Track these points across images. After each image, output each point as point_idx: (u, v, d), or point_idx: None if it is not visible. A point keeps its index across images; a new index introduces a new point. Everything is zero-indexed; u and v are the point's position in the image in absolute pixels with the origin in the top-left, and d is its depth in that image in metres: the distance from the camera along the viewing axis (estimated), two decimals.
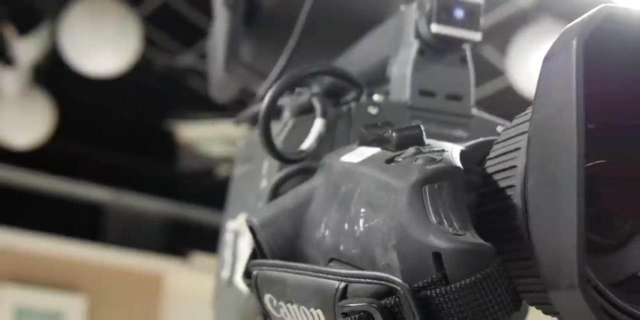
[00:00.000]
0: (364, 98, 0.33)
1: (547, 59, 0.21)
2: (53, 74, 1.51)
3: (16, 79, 1.48)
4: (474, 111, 0.33)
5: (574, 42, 0.20)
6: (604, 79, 0.22)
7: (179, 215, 1.92)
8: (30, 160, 1.67)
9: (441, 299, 0.20)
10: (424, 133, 0.25)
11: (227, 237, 0.39)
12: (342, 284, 0.22)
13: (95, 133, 1.73)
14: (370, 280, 0.21)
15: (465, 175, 0.23)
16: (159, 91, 1.60)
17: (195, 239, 1.84)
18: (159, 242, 1.90)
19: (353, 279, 0.22)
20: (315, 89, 0.40)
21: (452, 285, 0.20)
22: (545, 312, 0.22)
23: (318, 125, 0.30)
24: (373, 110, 0.32)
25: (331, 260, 0.24)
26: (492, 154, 0.24)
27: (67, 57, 1.34)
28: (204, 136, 1.55)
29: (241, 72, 0.45)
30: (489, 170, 0.23)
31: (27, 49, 1.43)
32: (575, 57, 0.20)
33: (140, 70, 1.42)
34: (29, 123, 1.52)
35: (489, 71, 1.44)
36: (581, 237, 0.19)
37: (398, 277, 0.21)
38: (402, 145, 0.24)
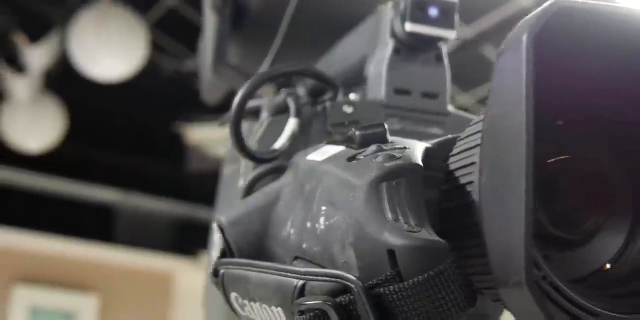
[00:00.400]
0: (341, 97, 0.33)
1: (500, 56, 0.21)
2: (63, 80, 1.54)
3: (28, 85, 1.51)
4: (451, 109, 0.33)
5: (524, 38, 0.19)
6: (569, 74, 0.22)
7: (187, 216, 1.93)
8: (42, 164, 1.70)
9: (395, 296, 0.20)
10: (387, 131, 0.25)
11: (215, 237, 0.39)
12: (301, 282, 0.22)
13: (105, 136, 1.75)
14: (327, 279, 0.21)
15: (427, 172, 0.23)
16: (167, 95, 1.61)
17: (204, 239, 1.85)
18: (168, 242, 1.91)
19: (311, 277, 0.22)
20: (300, 89, 0.40)
21: (405, 283, 0.20)
22: (506, 308, 0.22)
23: (291, 124, 0.31)
24: (348, 110, 0.32)
25: (296, 258, 0.24)
26: (455, 151, 0.24)
27: (76, 63, 1.36)
28: (211, 138, 1.57)
29: (229, 73, 0.46)
30: (452, 167, 0.23)
31: (38, 56, 1.45)
32: (526, 53, 0.19)
33: (148, 75, 1.44)
34: (40, 128, 1.55)
35: (489, 70, 1.42)
36: (529, 233, 0.18)
37: (355, 275, 0.21)
38: (365, 143, 0.24)
